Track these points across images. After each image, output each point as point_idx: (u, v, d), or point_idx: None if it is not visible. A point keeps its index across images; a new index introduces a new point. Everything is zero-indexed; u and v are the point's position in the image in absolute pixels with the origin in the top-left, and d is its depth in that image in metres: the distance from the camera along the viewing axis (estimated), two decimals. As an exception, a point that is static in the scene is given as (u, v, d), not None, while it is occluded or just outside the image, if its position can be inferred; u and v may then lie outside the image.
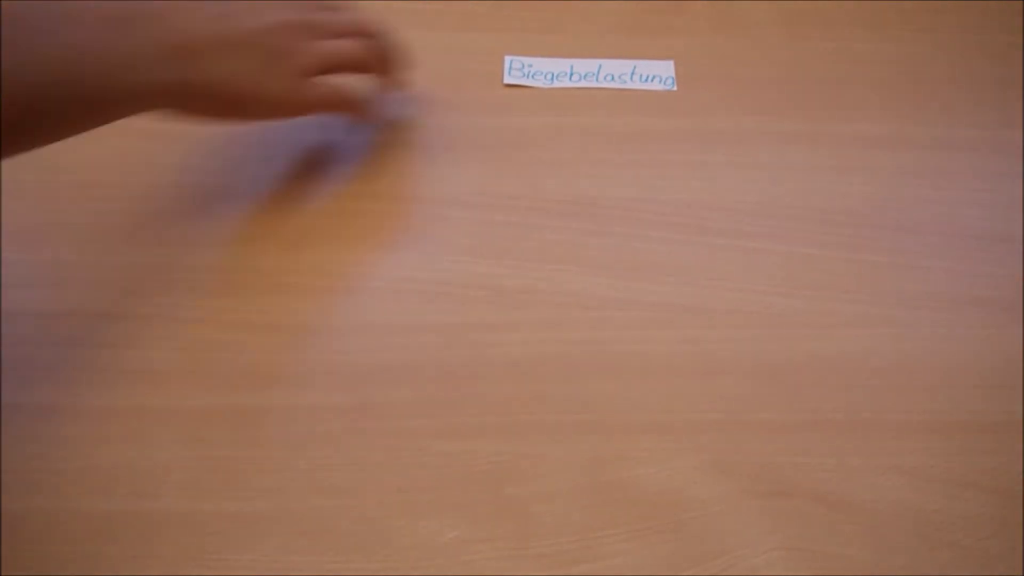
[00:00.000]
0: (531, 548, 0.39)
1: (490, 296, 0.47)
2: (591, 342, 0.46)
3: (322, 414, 0.43)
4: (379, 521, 0.39)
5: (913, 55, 0.60)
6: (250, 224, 0.51)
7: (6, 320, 0.46)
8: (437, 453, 0.41)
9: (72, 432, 0.42)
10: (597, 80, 0.58)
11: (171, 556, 0.38)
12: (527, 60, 0.59)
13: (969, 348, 0.45)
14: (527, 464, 0.41)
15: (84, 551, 0.38)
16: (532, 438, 0.42)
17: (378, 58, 0.52)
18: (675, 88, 0.58)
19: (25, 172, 0.54)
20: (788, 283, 0.48)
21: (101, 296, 0.47)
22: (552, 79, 0.58)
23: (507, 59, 0.59)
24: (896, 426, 0.42)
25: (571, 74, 0.58)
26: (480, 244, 0.50)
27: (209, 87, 0.44)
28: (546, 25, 0.63)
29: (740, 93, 0.58)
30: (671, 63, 0.59)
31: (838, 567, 0.38)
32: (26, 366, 0.45)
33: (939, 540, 0.39)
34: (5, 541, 0.39)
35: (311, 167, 0.54)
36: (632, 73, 0.58)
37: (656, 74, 0.58)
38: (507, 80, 0.58)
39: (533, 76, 0.58)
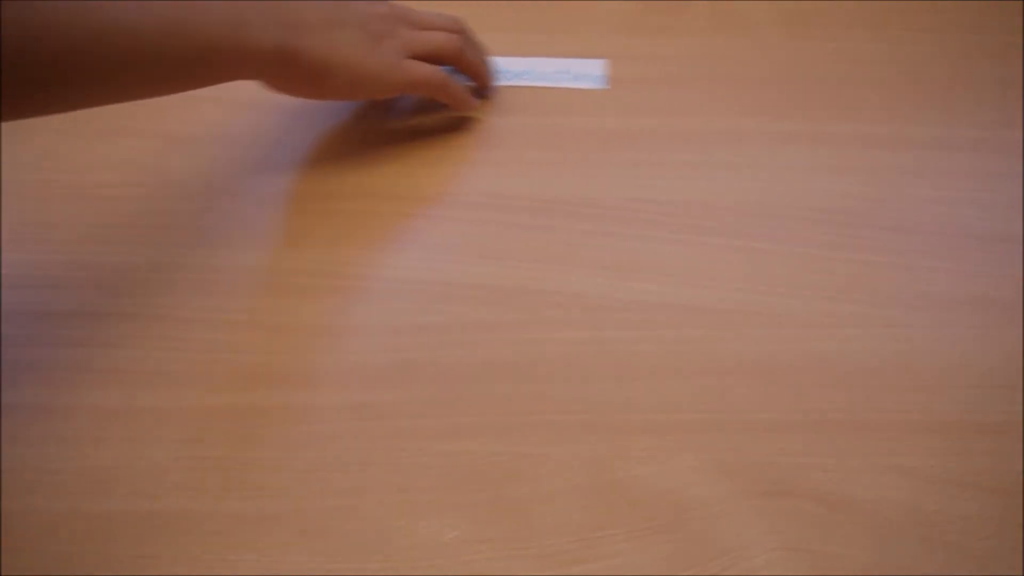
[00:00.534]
0: (531, 548, 0.38)
1: (490, 296, 0.47)
2: (591, 342, 0.46)
3: (322, 414, 0.43)
4: (379, 521, 0.39)
5: (913, 55, 0.60)
6: (250, 224, 0.51)
7: (6, 320, 0.46)
8: (437, 453, 0.41)
9: (72, 432, 0.42)
10: (530, 79, 0.58)
11: (170, 556, 0.38)
12: None
13: (969, 348, 0.45)
14: (527, 464, 0.41)
15: (84, 551, 0.38)
16: (532, 438, 0.42)
17: (469, 53, 0.55)
18: (607, 87, 0.58)
19: (25, 172, 0.54)
20: (788, 283, 0.48)
21: (101, 296, 0.47)
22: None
23: None
24: (896, 426, 0.42)
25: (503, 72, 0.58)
26: (480, 244, 0.50)
27: (314, 58, 0.47)
28: (546, 25, 0.63)
29: (740, 93, 0.58)
30: (602, 62, 0.59)
31: (838, 567, 0.38)
32: (26, 366, 0.45)
33: (939, 540, 0.39)
34: (5, 541, 0.39)
35: (311, 167, 0.54)
36: (561, 72, 0.58)
37: (586, 73, 0.58)
38: None
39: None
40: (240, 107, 0.58)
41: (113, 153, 0.55)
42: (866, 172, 0.53)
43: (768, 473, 0.41)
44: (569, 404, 0.43)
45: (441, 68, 0.53)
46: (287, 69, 0.47)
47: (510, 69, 0.58)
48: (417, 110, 0.57)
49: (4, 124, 0.56)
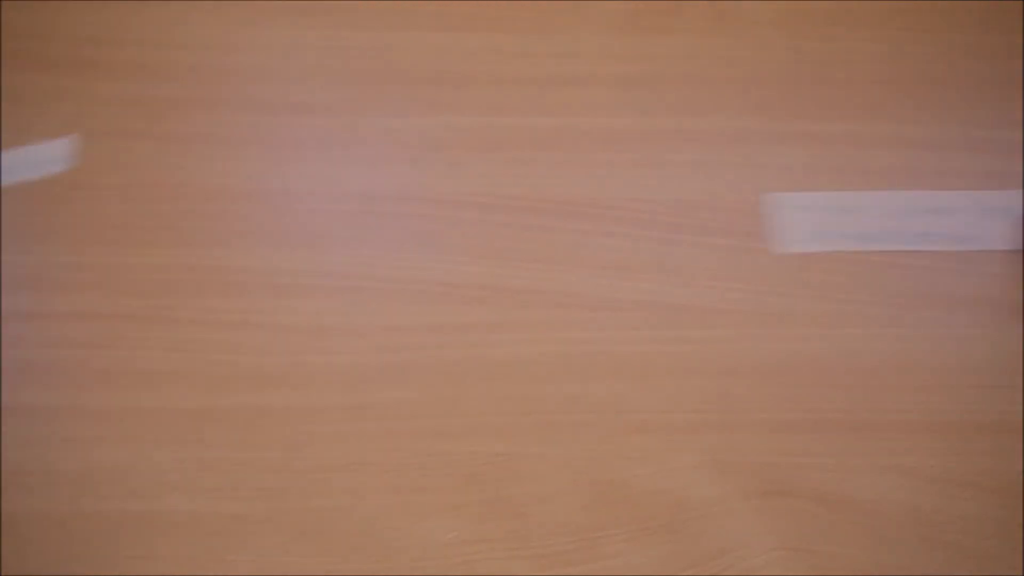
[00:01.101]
0: (530, 548, 0.38)
1: (490, 296, 0.47)
2: (590, 342, 0.45)
3: (321, 414, 0.43)
4: (378, 521, 0.39)
5: (913, 55, 0.60)
6: (249, 224, 0.51)
7: (6, 320, 0.46)
8: (436, 453, 0.41)
9: (71, 433, 0.42)
10: None
11: (170, 557, 0.38)
12: None
13: (969, 348, 0.45)
14: (526, 464, 0.41)
15: (84, 551, 0.38)
16: (531, 438, 0.42)
17: None
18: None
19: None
20: (788, 283, 0.48)
21: (100, 297, 0.47)
22: None
23: None
24: (896, 426, 0.42)
25: None
26: (480, 244, 0.50)
27: None
28: (545, 26, 0.63)
29: (739, 93, 0.58)
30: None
31: (837, 567, 0.38)
32: (25, 367, 0.45)
33: (939, 540, 0.39)
34: (5, 541, 0.39)
35: (311, 167, 0.54)
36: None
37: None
38: None
39: None
40: (240, 107, 0.58)
41: (113, 153, 0.55)
42: (865, 172, 0.53)
43: (767, 473, 0.41)
44: (568, 404, 0.43)
45: None
46: None
47: None
48: (415, 111, 0.57)
49: (4, 124, 0.56)
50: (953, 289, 0.47)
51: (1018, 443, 0.42)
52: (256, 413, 0.43)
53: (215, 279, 0.48)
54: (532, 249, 0.50)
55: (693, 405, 0.43)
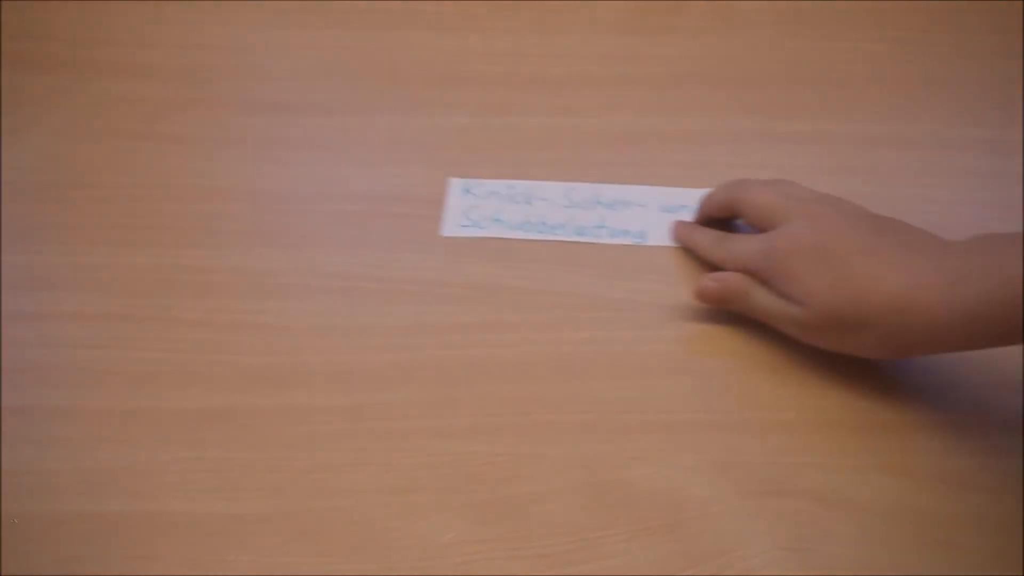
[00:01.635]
0: (529, 548, 0.38)
1: (490, 296, 0.47)
2: (590, 342, 0.46)
3: (320, 415, 0.43)
4: (377, 522, 0.39)
5: (913, 55, 0.60)
6: (249, 224, 0.51)
7: (6, 321, 0.46)
8: (435, 453, 0.41)
9: (71, 434, 0.42)
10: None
11: (169, 557, 0.38)
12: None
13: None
14: (525, 464, 0.41)
15: (83, 552, 0.38)
16: (530, 438, 0.42)
17: None
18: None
19: (25, 172, 0.54)
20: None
21: (100, 297, 0.47)
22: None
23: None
24: (895, 425, 0.42)
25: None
26: (479, 244, 0.50)
27: None
28: (545, 26, 0.63)
29: (738, 93, 0.58)
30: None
31: (836, 567, 0.38)
32: (26, 367, 0.45)
33: (938, 540, 0.39)
34: (5, 542, 0.39)
35: (310, 168, 0.54)
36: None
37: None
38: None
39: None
40: (239, 107, 0.58)
41: (112, 153, 0.55)
42: (865, 172, 0.53)
43: (766, 473, 0.41)
44: (567, 404, 0.43)
45: None
46: None
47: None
48: (414, 111, 0.57)
49: (4, 124, 0.56)
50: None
51: (1018, 443, 0.42)
52: (256, 413, 0.43)
53: (215, 279, 0.48)
54: (531, 249, 0.50)
55: (691, 405, 0.43)
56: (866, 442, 0.42)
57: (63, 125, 0.56)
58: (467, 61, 0.60)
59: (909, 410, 0.43)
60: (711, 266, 0.48)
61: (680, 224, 0.50)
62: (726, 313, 0.46)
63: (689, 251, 0.49)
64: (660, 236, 0.50)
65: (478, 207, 0.51)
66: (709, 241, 0.48)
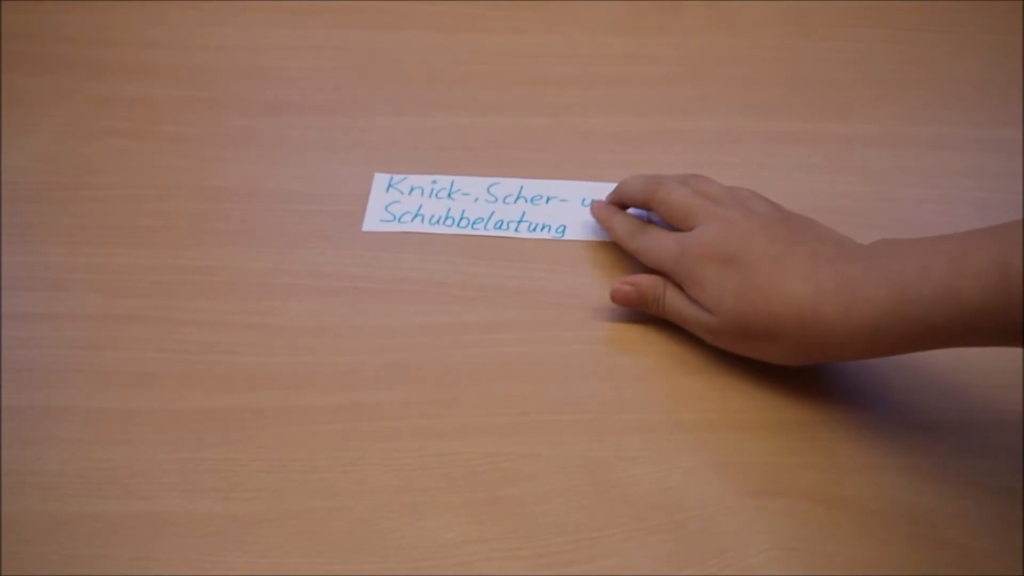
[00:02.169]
0: (528, 548, 0.38)
1: (489, 296, 0.47)
2: (589, 342, 0.46)
3: (319, 415, 0.43)
4: (376, 522, 0.39)
5: (913, 55, 0.60)
6: (248, 224, 0.51)
7: (6, 321, 0.46)
8: (434, 453, 0.41)
9: (70, 434, 0.42)
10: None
11: (168, 557, 0.38)
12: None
13: (968, 348, 0.45)
14: (524, 464, 0.41)
15: (82, 553, 0.38)
16: (529, 438, 0.42)
17: None
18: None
19: (24, 172, 0.54)
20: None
21: (99, 298, 0.47)
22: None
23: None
24: (894, 426, 0.42)
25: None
26: (479, 244, 0.50)
27: None
28: (545, 26, 0.63)
29: (737, 93, 0.58)
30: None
31: (835, 567, 0.38)
32: (26, 367, 0.45)
33: (937, 540, 0.39)
34: (4, 543, 0.39)
35: (310, 167, 0.54)
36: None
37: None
38: None
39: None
40: (239, 107, 0.58)
41: (111, 153, 0.55)
42: (864, 172, 0.53)
43: (765, 473, 0.41)
44: (566, 404, 0.43)
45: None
46: None
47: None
48: (413, 111, 0.57)
49: (4, 124, 0.56)
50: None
51: (1018, 443, 0.42)
52: (256, 413, 0.43)
53: (214, 279, 0.48)
54: (530, 249, 0.50)
55: (690, 405, 0.43)
56: (864, 441, 0.42)
57: (63, 125, 0.56)
58: (465, 61, 0.60)
59: (907, 409, 0.43)
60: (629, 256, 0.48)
61: (599, 205, 0.50)
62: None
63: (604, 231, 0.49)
64: (579, 231, 0.50)
65: (400, 202, 0.51)
66: (626, 230, 0.48)
